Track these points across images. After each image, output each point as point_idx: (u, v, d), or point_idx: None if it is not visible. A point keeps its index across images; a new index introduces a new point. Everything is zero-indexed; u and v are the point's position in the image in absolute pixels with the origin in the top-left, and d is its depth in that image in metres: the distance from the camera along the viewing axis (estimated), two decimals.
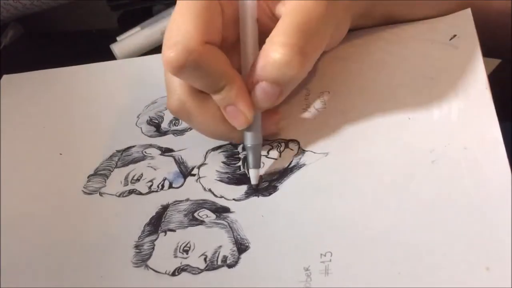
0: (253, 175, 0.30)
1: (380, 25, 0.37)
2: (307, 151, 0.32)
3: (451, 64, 0.33)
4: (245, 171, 0.32)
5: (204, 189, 0.31)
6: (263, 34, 0.29)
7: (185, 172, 0.33)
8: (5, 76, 0.44)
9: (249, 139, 0.30)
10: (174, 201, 0.31)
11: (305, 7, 0.28)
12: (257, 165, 0.30)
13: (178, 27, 0.27)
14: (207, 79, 0.28)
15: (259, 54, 0.28)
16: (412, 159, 0.29)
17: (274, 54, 0.27)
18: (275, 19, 0.29)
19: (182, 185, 0.32)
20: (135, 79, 0.40)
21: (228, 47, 0.29)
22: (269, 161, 0.32)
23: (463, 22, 0.35)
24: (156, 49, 0.45)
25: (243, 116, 0.28)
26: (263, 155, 0.32)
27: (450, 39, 0.35)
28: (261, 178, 0.31)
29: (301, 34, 0.27)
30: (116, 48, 0.45)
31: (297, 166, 0.31)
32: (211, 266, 0.28)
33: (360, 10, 0.34)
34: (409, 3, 0.36)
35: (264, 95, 0.28)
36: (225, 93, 0.28)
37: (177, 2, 0.27)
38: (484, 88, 0.31)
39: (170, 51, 0.26)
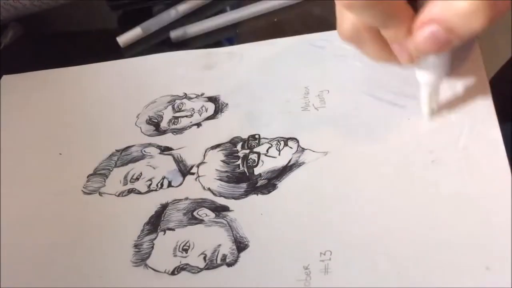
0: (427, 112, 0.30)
1: None
2: (306, 149, 0.32)
3: (451, 64, 0.33)
4: (244, 170, 0.32)
5: (203, 187, 0.31)
6: None
7: (184, 170, 0.33)
8: (5, 76, 0.44)
9: (421, 75, 0.29)
10: (173, 200, 0.31)
11: None
12: (431, 109, 0.30)
13: None
14: (375, 17, 0.26)
15: None
16: (412, 159, 0.29)
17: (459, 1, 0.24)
18: None
19: (181, 184, 0.32)
20: (134, 79, 0.40)
21: None
22: (268, 159, 0.32)
23: None
24: (156, 49, 0.45)
25: (408, 55, 0.27)
26: (263, 154, 0.32)
27: None
28: (260, 179, 0.31)
29: None
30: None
31: (297, 165, 0.31)
32: (211, 265, 0.27)
33: None
34: None
35: (431, 39, 0.26)
36: (393, 31, 0.27)
37: None
38: (484, 88, 0.31)
39: None
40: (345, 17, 0.29)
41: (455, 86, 0.32)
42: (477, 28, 0.24)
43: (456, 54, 0.33)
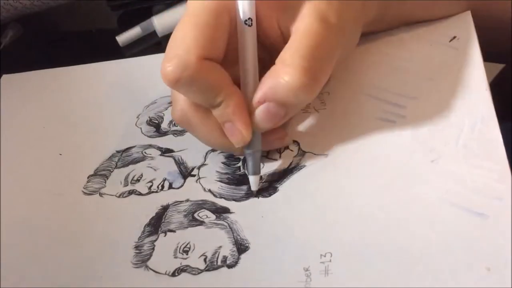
0: (253, 181, 0.30)
1: (393, 28, 0.36)
2: (307, 152, 0.32)
3: (450, 65, 0.33)
4: (245, 172, 0.32)
5: (204, 189, 0.31)
6: (269, 49, 0.29)
7: (185, 172, 0.33)
8: (4, 76, 0.44)
9: (249, 145, 0.30)
10: (174, 202, 0.31)
11: (317, 30, 0.27)
12: (257, 172, 0.30)
13: (179, 41, 0.27)
14: (202, 95, 0.28)
15: (267, 74, 0.27)
16: (412, 159, 0.29)
17: (287, 76, 0.26)
18: (283, 36, 0.29)
19: (182, 185, 0.32)
20: (135, 79, 0.40)
21: (234, 59, 0.29)
22: (269, 162, 0.32)
23: (463, 24, 0.35)
24: (156, 49, 0.45)
25: (240, 134, 0.28)
26: (263, 156, 0.32)
27: (450, 40, 0.35)
28: (260, 182, 0.31)
29: (314, 58, 0.27)
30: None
31: (297, 167, 0.31)
32: (211, 266, 0.28)
33: (370, 17, 0.33)
34: (420, 3, 0.35)
35: (268, 116, 0.28)
36: (222, 109, 0.28)
37: (183, 14, 0.27)
38: (484, 89, 0.31)
39: (168, 64, 0.26)
40: (176, 101, 0.30)
41: (455, 86, 0.32)
42: (306, 100, 0.28)
43: (455, 55, 0.34)
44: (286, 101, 0.27)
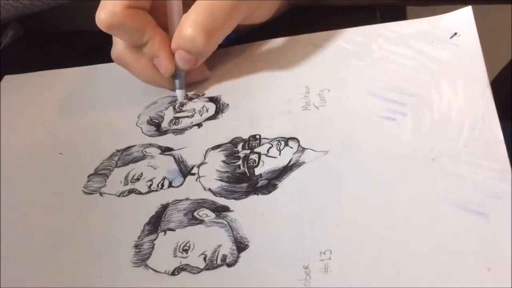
0: (180, 94, 0.37)
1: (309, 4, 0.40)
2: (306, 149, 0.32)
3: (451, 62, 0.33)
4: (244, 170, 0.32)
5: (204, 188, 0.31)
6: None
7: (185, 171, 0.33)
8: (6, 77, 0.44)
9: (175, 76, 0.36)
10: (174, 200, 0.31)
11: None
12: (182, 87, 0.37)
13: None
14: (130, 36, 0.34)
15: (179, 24, 0.34)
16: (412, 157, 0.29)
17: (185, 30, 0.33)
18: None
19: (181, 184, 0.32)
20: (135, 79, 0.40)
21: (162, 9, 0.35)
22: (268, 159, 0.32)
23: (464, 20, 0.35)
24: None
25: (165, 65, 0.35)
26: (263, 154, 0.32)
27: (451, 37, 0.35)
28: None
29: (208, 15, 0.33)
30: None
31: (297, 164, 0.31)
32: (211, 265, 0.27)
33: None
34: None
35: (182, 60, 0.35)
36: (149, 47, 0.35)
37: None
38: (485, 87, 0.31)
39: (101, 12, 0.33)
40: (114, 44, 0.37)
41: (456, 85, 0.32)
42: (206, 49, 0.34)
43: (456, 52, 0.33)
44: (190, 50, 0.34)
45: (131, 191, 0.32)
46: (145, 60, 0.36)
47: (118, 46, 0.36)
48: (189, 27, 0.33)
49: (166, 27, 0.36)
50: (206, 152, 0.33)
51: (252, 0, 0.35)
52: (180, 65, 0.35)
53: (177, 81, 0.37)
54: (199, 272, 0.27)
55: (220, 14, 0.33)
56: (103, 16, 0.33)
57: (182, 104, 0.37)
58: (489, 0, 0.41)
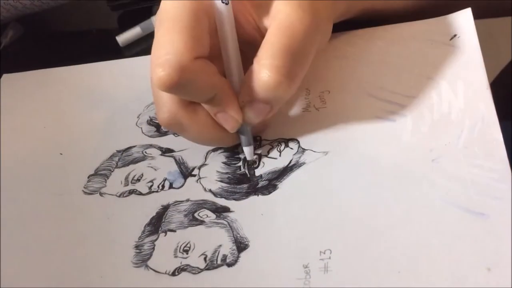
0: (249, 152, 0.32)
1: (359, 18, 0.38)
2: (307, 150, 0.32)
3: (451, 64, 0.33)
4: (245, 171, 0.32)
5: (205, 189, 0.31)
6: (249, 44, 0.29)
7: (186, 172, 0.33)
8: (5, 75, 0.44)
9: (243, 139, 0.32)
10: (175, 202, 0.31)
11: (290, 25, 0.28)
12: (250, 143, 0.32)
13: (167, 45, 0.27)
14: (198, 92, 0.28)
15: (248, 73, 0.28)
16: (412, 158, 0.29)
17: (263, 77, 0.27)
18: (260, 31, 0.30)
19: (182, 185, 0.32)
20: (135, 79, 0.40)
21: (217, 52, 0.29)
22: (269, 160, 0.32)
23: (464, 22, 0.35)
24: None
25: (232, 119, 0.29)
26: (264, 155, 0.32)
27: (451, 39, 0.35)
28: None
29: (288, 55, 0.27)
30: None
31: (297, 165, 0.31)
32: (211, 265, 0.28)
33: (341, 10, 0.34)
34: None
35: (256, 112, 0.29)
36: (216, 101, 0.29)
37: (161, 19, 0.28)
38: (484, 88, 0.31)
39: (161, 69, 0.26)
40: (162, 104, 0.30)
41: (456, 86, 0.32)
42: (286, 95, 0.29)
43: (456, 53, 0.33)
44: (267, 99, 0.28)
45: (131, 192, 0.32)
46: (204, 117, 0.30)
47: (169, 105, 0.30)
48: (268, 72, 0.27)
49: (223, 73, 0.30)
50: (207, 153, 0.33)
51: (320, 28, 0.30)
52: (252, 118, 0.29)
53: (243, 137, 0.31)
54: (199, 272, 0.27)
55: (298, 52, 0.28)
56: (164, 73, 0.26)
57: (253, 162, 0.32)
58: (489, 14, 0.41)
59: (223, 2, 0.28)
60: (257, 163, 0.32)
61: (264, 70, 0.27)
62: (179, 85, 0.26)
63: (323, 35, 0.32)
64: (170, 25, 0.27)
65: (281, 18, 0.28)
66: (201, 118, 0.30)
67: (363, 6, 0.37)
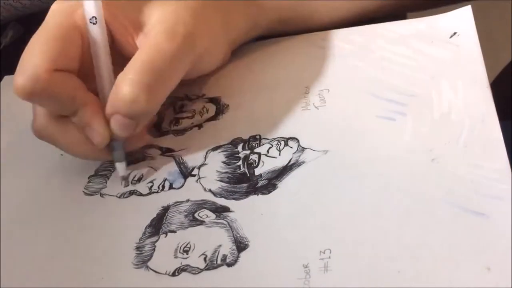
0: (120, 167, 0.32)
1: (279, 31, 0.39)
2: (306, 148, 0.32)
3: (451, 62, 0.33)
4: (244, 170, 0.32)
5: (204, 189, 0.31)
6: (127, 61, 0.30)
7: (185, 172, 0.33)
8: (6, 77, 0.44)
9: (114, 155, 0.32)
10: (175, 202, 0.31)
11: (156, 45, 0.29)
12: (122, 159, 0.32)
13: (29, 55, 0.28)
14: (58, 104, 0.29)
15: (113, 87, 0.29)
16: (412, 157, 0.29)
17: (123, 91, 0.28)
18: (136, 49, 0.31)
19: (182, 185, 0.32)
20: None
21: (92, 71, 0.31)
22: (269, 159, 0.32)
23: (463, 19, 0.35)
24: None
25: (99, 135, 0.30)
26: (263, 154, 0.32)
27: (450, 37, 0.35)
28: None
29: (149, 72, 0.28)
30: None
31: (297, 164, 0.31)
32: (211, 265, 0.28)
33: (241, 28, 0.36)
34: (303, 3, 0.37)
35: (120, 126, 0.30)
36: (80, 115, 0.30)
37: (41, 26, 0.29)
38: (484, 87, 0.31)
39: (19, 78, 0.27)
40: (35, 116, 0.31)
41: (456, 85, 0.32)
42: (147, 111, 0.29)
43: (456, 51, 0.33)
44: (127, 113, 0.29)
45: (131, 193, 0.32)
46: (74, 131, 0.31)
47: (41, 117, 0.31)
48: (127, 87, 0.28)
49: (97, 92, 0.31)
50: (207, 153, 0.33)
51: (194, 49, 0.31)
52: (117, 132, 0.30)
53: (114, 153, 0.32)
54: (199, 272, 0.27)
55: (161, 69, 0.29)
56: (21, 82, 0.27)
57: (124, 178, 0.32)
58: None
59: (91, 22, 0.29)
60: (257, 162, 0.32)
61: (124, 84, 0.28)
62: (34, 94, 0.28)
63: (204, 53, 0.33)
64: (40, 34, 0.29)
65: (150, 37, 0.30)
66: (71, 132, 0.31)
67: (276, 17, 0.38)
